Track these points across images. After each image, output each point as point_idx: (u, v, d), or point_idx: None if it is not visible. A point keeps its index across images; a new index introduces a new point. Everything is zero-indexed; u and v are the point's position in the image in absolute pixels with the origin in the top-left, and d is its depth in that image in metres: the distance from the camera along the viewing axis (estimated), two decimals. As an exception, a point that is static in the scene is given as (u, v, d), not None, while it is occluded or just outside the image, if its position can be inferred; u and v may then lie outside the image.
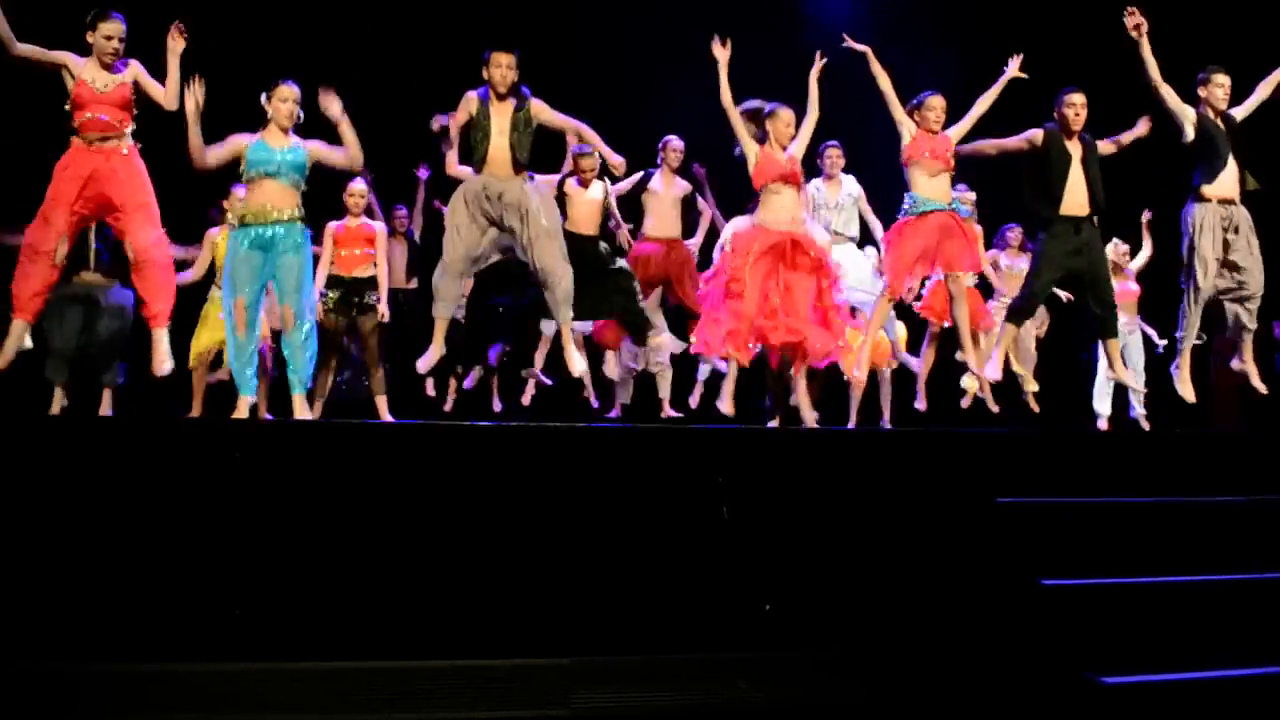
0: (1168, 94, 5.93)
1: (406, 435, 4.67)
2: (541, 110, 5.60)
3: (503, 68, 5.51)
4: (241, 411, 5.30)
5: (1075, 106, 5.89)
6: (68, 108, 5.05)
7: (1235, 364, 6.12)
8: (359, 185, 6.72)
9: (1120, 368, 6.08)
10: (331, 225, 6.63)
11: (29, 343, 5.14)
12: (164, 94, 5.16)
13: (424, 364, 5.76)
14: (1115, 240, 8.07)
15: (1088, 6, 9.46)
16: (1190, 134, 5.95)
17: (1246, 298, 6.01)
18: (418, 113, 5.90)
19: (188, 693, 3.56)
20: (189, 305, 6.64)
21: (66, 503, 3.80)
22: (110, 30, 5.08)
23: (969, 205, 7.09)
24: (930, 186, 5.99)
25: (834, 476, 4.42)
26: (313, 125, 5.42)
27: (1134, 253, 8.12)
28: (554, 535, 4.03)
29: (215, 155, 5.26)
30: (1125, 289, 8.01)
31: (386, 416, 6.52)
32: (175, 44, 5.14)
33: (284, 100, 5.28)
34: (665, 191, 7.10)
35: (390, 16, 8.83)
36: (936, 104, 6.06)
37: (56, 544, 3.74)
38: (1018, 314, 6.07)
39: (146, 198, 5.16)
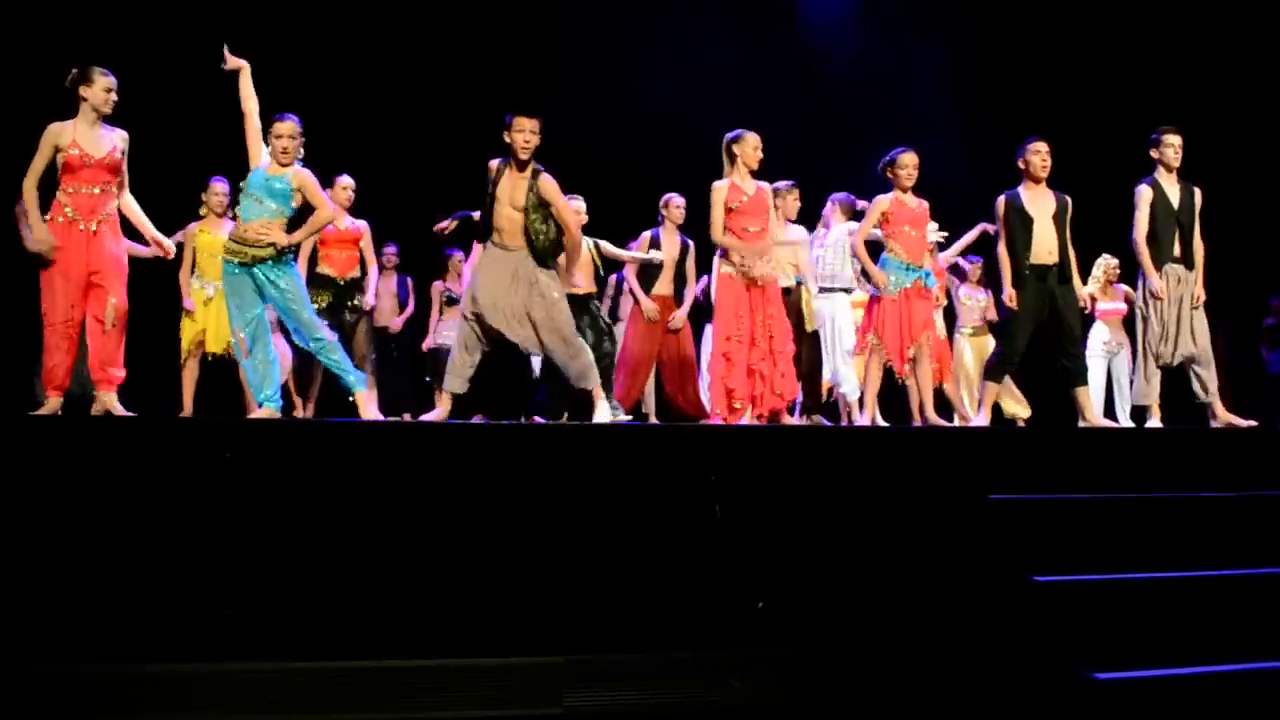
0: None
1: (396, 434, 4.66)
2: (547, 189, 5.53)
3: (525, 132, 5.46)
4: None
5: (1041, 154, 5.95)
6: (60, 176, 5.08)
7: (1215, 423, 6.10)
8: (347, 179, 6.70)
9: (1092, 415, 6.02)
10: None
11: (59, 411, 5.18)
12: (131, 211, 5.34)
13: (429, 418, 5.63)
14: (1105, 256, 8.09)
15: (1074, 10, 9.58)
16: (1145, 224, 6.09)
17: (1203, 363, 6.07)
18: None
19: (178, 693, 3.54)
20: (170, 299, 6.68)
21: (55, 502, 3.79)
22: (109, 84, 5.11)
23: (937, 239, 7.06)
24: (909, 254, 6.08)
25: (826, 474, 4.42)
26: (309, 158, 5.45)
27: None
28: (546, 534, 4.02)
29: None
30: (1114, 307, 8.04)
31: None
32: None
33: (278, 137, 5.28)
34: (669, 250, 7.03)
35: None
36: (909, 161, 6.09)
37: (44, 544, 3.72)
38: (996, 372, 6.08)
39: (125, 266, 5.24)
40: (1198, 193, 6.16)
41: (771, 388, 5.85)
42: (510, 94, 5.76)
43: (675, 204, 7.05)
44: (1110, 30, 9.60)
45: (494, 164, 5.59)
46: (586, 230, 6.86)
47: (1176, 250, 6.08)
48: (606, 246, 6.88)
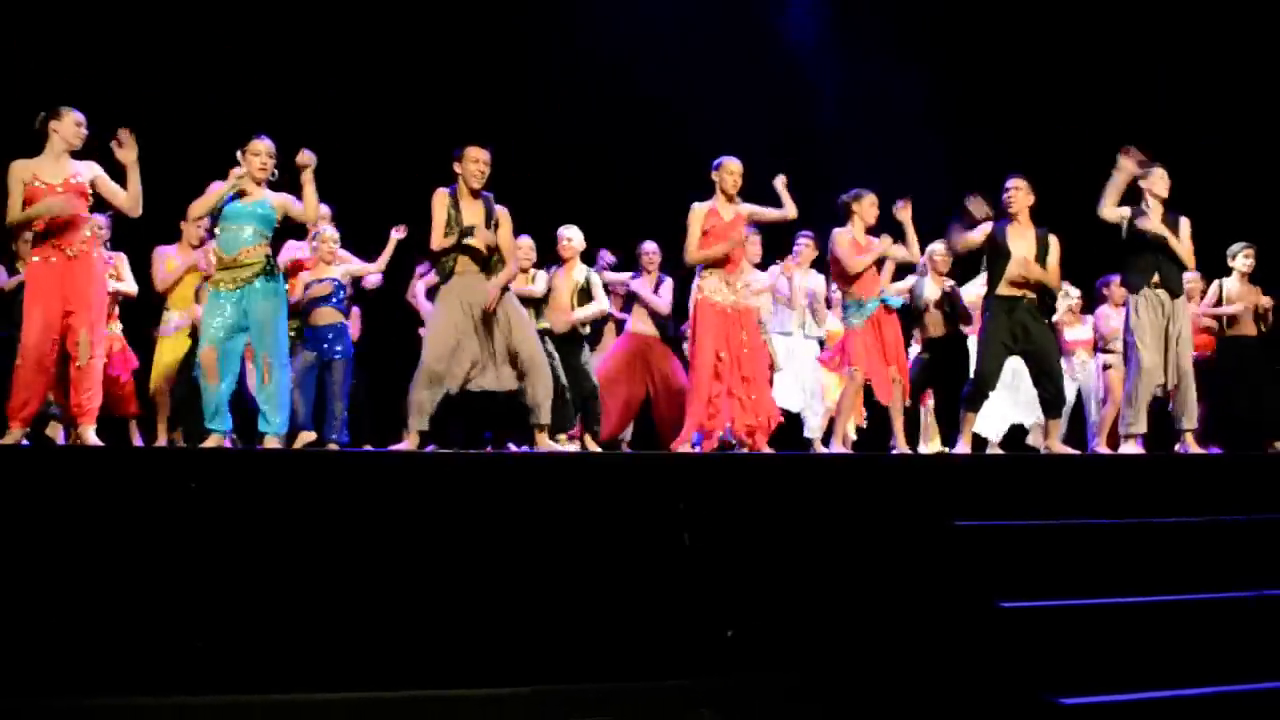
0: (1109, 214, 6.14)
1: (366, 464, 4.64)
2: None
3: (480, 163, 5.52)
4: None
5: (1009, 191, 6.08)
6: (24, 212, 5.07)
7: (1181, 448, 6.18)
8: (330, 231, 6.67)
9: (1055, 443, 6.09)
10: (305, 276, 6.61)
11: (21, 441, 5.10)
12: (125, 199, 5.21)
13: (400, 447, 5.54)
14: (1067, 287, 8.19)
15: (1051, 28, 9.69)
16: (1125, 232, 6.15)
17: (1180, 389, 6.15)
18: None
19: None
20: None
21: (18, 534, 3.74)
22: (78, 119, 5.13)
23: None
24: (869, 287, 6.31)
25: (794, 501, 4.44)
26: (284, 180, 5.45)
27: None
28: (515, 564, 4.01)
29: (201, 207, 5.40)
30: (1080, 335, 8.16)
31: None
32: (128, 152, 5.16)
33: (256, 154, 5.32)
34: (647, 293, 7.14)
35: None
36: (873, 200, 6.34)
37: (8, 577, 3.67)
38: (973, 401, 6.10)
39: (103, 298, 5.22)
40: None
41: (748, 411, 5.88)
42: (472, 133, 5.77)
43: (644, 250, 7.16)
44: (1086, 57, 9.74)
45: (442, 194, 5.55)
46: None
47: (1156, 277, 6.12)
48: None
